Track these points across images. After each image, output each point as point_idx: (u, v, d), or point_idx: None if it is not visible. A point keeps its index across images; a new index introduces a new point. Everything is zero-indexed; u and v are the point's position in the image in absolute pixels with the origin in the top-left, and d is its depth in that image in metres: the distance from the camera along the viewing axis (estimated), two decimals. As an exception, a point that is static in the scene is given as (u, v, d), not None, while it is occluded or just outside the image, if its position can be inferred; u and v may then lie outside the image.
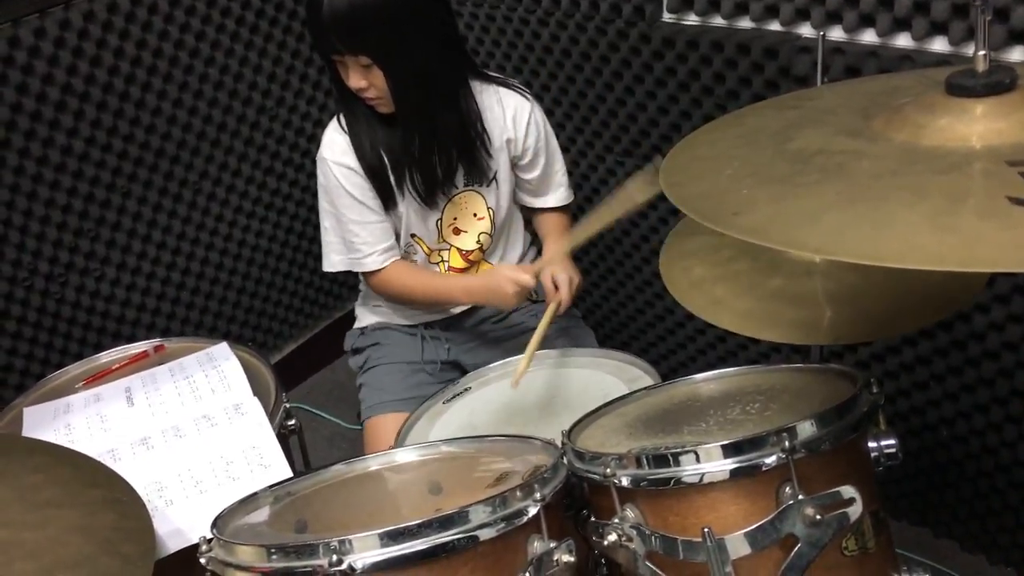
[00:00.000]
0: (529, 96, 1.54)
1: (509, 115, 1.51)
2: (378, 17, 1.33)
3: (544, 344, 1.42)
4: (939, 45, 1.37)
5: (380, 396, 1.55)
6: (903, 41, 1.40)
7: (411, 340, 1.62)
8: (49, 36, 1.74)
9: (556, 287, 1.45)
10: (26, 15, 1.71)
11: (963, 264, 0.60)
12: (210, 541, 0.91)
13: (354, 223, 1.50)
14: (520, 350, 1.48)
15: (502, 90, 1.52)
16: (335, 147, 1.48)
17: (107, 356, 1.47)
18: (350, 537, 0.82)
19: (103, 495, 0.95)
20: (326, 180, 1.50)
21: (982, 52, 0.77)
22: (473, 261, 1.60)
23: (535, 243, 1.69)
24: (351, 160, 1.46)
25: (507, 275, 1.43)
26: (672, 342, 2.00)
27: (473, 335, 1.64)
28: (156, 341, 1.48)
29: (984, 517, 1.65)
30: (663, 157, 0.92)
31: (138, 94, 1.90)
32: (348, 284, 2.38)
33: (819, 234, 0.68)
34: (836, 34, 1.47)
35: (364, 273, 1.56)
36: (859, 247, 0.65)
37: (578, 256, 2.04)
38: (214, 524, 0.94)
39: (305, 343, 2.38)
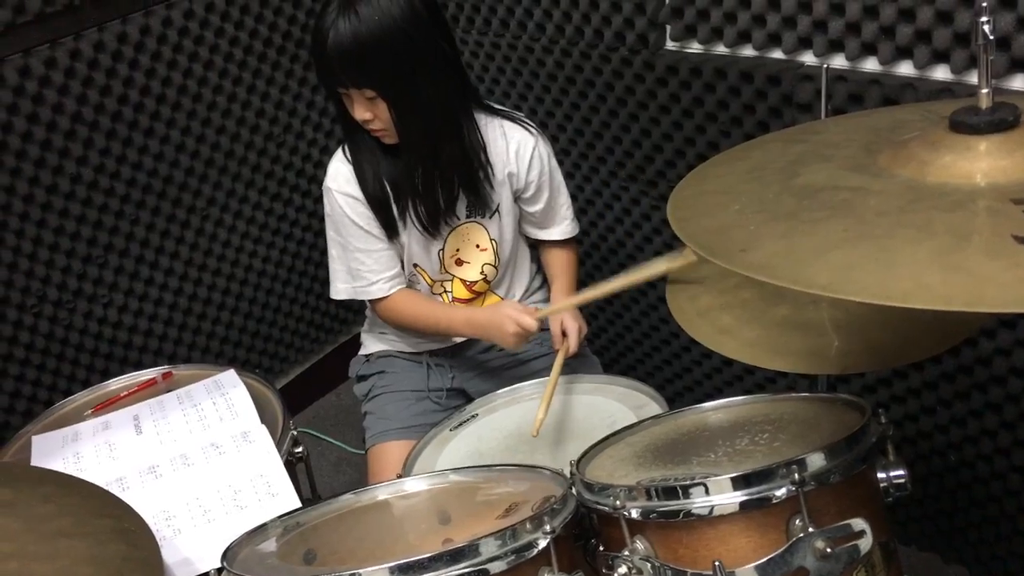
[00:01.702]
0: (534, 130, 1.54)
1: (512, 149, 1.51)
2: (382, 51, 1.34)
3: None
4: (941, 73, 1.38)
5: (385, 424, 1.55)
6: (905, 69, 1.42)
7: (416, 368, 1.62)
8: (60, 66, 1.76)
9: (565, 334, 1.46)
10: (37, 45, 1.73)
11: (970, 304, 0.60)
12: (220, 572, 0.91)
13: (360, 251, 1.51)
14: (524, 378, 1.49)
15: (507, 123, 1.53)
16: (339, 177, 1.49)
17: (115, 384, 1.47)
18: (360, 571, 0.82)
19: (112, 525, 0.95)
20: (331, 209, 1.51)
21: (985, 90, 0.77)
22: (478, 292, 1.60)
23: (541, 273, 1.69)
24: (355, 190, 1.47)
25: (511, 314, 1.41)
26: (678, 366, 2.01)
27: (477, 363, 1.64)
28: (164, 368, 1.48)
29: (993, 542, 1.64)
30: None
31: (147, 123, 1.91)
32: (354, 308, 2.38)
33: (827, 272, 0.68)
34: (839, 62, 1.48)
35: (370, 300, 1.57)
36: (867, 286, 0.65)
37: (583, 281, 2.05)
38: (224, 556, 0.94)
39: (311, 367, 2.38)
